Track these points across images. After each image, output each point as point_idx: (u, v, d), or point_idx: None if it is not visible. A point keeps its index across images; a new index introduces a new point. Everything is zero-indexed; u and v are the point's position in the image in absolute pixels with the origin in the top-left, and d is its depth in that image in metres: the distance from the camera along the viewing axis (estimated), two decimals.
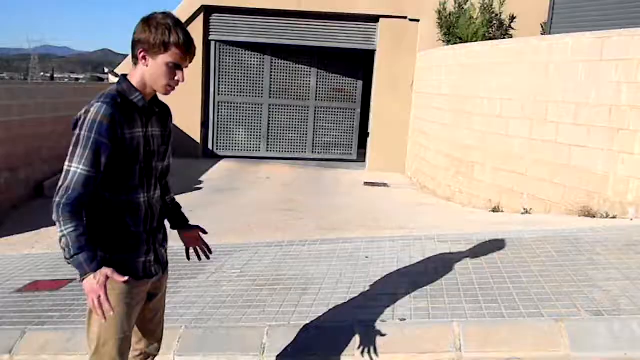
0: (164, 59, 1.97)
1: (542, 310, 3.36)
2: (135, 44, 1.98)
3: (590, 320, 3.23)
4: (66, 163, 1.91)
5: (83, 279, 1.88)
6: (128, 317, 2.11)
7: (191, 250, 2.56)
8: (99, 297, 1.86)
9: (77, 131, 1.91)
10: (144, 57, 1.98)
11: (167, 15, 1.99)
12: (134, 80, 2.03)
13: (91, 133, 1.88)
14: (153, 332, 2.41)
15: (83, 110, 1.93)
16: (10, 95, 7.24)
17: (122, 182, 2.01)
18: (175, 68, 2.00)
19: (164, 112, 2.19)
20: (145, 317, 2.31)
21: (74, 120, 1.94)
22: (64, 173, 1.91)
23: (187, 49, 1.99)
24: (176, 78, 2.02)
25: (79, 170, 1.89)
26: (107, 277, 1.89)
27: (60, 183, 1.91)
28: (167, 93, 2.06)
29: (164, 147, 2.20)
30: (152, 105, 2.09)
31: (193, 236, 2.51)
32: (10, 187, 7.09)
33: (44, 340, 3.47)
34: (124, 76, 2.06)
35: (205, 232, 2.53)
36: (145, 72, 2.00)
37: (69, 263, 1.90)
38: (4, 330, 3.58)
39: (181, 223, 2.50)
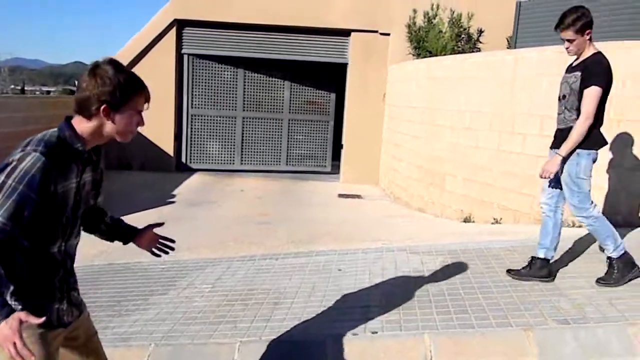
0: (131, 109, 1.94)
1: (511, 320, 3.41)
2: (90, 99, 1.87)
3: (558, 329, 3.29)
4: None
5: None
6: None
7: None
8: (14, 344, 1.65)
9: (2, 177, 1.75)
10: (106, 113, 1.89)
11: (113, 63, 1.92)
12: (84, 131, 1.92)
13: (19, 184, 1.74)
14: None
15: (16, 156, 1.77)
16: None
17: (43, 233, 1.90)
18: (139, 114, 1.98)
19: (97, 154, 2.06)
20: None
21: (4, 164, 1.77)
22: None
23: (148, 93, 1.98)
24: (138, 123, 1.99)
25: None
26: (21, 322, 1.68)
27: None
28: (129, 140, 2.02)
29: (95, 190, 2.12)
30: (90, 153, 2.00)
31: (148, 237, 2.37)
32: None
33: None
34: (68, 123, 1.92)
35: (159, 225, 2.38)
36: (106, 125, 1.92)
37: None
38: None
39: (131, 233, 2.36)
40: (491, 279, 4.13)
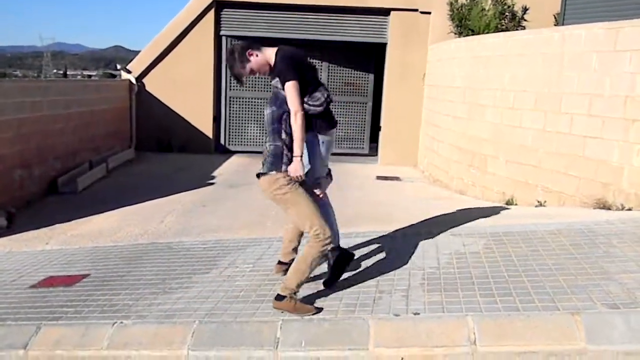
0: None
1: (557, 304, 3.33)
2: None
3: (607, 313, 3.19)
4: None
5: None
6: None
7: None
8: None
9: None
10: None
11: None
12: None
13: None
14: None
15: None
16: (24, 93, 7.29)
17: None
18: None
19: None
20: None
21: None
22: None
23: None
24: None
25: None
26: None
27: None
28: None
29: None
30: None
31: None
32: (24, 184, 7.15)
33: (59, 335, 3.50)
34: None
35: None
36: None
37: None
38: (19, 326, 3.60)
39: None
40: (536, 263, 4.04)
